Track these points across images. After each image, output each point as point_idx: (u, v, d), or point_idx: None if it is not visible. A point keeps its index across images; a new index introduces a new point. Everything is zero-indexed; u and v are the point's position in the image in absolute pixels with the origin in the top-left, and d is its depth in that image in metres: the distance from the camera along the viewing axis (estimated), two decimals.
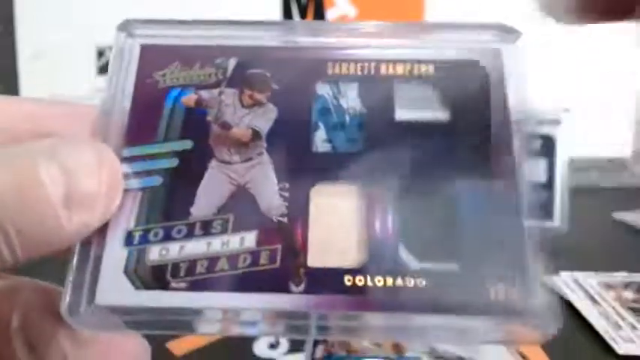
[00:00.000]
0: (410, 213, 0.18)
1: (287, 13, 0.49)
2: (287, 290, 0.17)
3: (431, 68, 0.20)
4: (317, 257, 0.18)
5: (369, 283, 0.17)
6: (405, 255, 0.18)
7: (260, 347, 0.36)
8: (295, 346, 0.35)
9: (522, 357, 0.36)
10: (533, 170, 0.19)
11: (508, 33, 0.20)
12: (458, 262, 0.18)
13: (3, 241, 0.15)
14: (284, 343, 0.36)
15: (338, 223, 0.18)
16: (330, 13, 0.50)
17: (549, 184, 0.49)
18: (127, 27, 0.21)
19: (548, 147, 0.51)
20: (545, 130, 0.51)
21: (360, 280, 0.17)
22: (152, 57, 0.20)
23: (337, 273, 0.17)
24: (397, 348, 0.27)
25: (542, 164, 0.51)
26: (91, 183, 0.16)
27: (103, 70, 0.48)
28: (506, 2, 0.49)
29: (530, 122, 0.19)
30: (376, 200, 0.18)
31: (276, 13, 0.49)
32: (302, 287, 0.17)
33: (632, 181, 0.66)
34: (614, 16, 0.17)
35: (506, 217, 0.18)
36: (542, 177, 0.49)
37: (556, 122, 0.51)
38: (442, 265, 0.18)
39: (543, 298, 0.17)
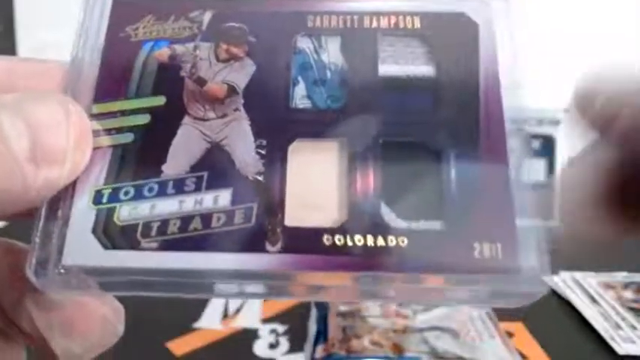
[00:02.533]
0: (392, 171, 0.17)
1: None
2: (263, 250, 0.16)
3: (417, 21, 0.19)
4: (294, 216, 0.17)
5: (349, 243, 0.17)
6: (386, 213, 0.17)
7: (260, 347, 0.36)
8: (295, 346, 0.35)
9: (522, 356, 0.36)
10: (525, 138, 0.18)
11: None
12: (441, 221, 0.17)
13: None
14: (284, 343, 0.35)
15: (317, 181, 0.17)
16: None
17: (549, 184, 0.49)
18: None
19: (548, 147, 0.51)
20: (545, 130, 0.51)
21: (339, 240, 0.17)
22: (124, 10, 0.19)
23: (316, 232, 0.17)
24: (397, 348, 0.27)
25: (542, 164, 0.50)
26: (57, 137, 0.16)
27: None
28: None
29: (520, 79, 0.18)
30: (357, 157, 0.18)
31: None
32: (278, 246, 0.16)
33: None
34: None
35: (493, 175, 0.17)
36: (542, 177, 0.49)
37: (556, 122, 0.50)
38: (425, 223, 0.17)
39: (532, 257, 0.16)
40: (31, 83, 0.18)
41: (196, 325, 0.41)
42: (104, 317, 0.17)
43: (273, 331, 0.40)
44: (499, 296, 0.16)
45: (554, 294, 0.46)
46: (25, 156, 0.15)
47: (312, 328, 0.37)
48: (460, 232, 0.17)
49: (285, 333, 0.40)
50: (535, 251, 0.16)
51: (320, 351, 0.27)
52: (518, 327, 0.41)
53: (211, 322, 0.40)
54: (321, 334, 0.35)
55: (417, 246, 0.16)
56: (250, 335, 0.40)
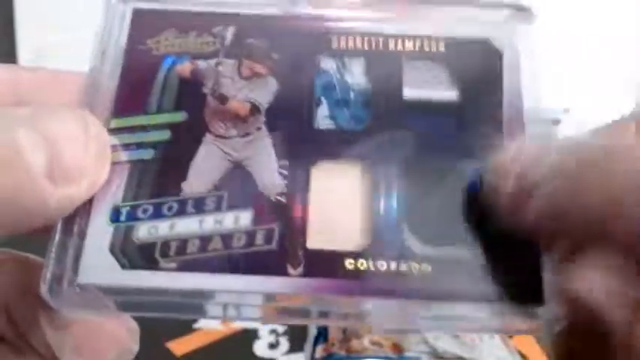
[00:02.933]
0: (415, 195, 0.17)
1: None
2: (284, 273, 0.16)
3: (441, 45, 0.19)
4: (317, 239, 0.17)
5: (372, 268, 0.16)
6: (409, 239, 0.17)
7: (260, 347, 0.35)
8: (295, 346, 0.34)
9: (522, 356, 0.36)
10: None
11: (523, 12, 0.19)
12: (465, 248, 0.17)
13: None
14: (284, 343, 0.35)
15: (340, 204, 0.17)
16: None
17: None
18: None
19: None
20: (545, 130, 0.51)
21: (362, 264, 0.16)
22: (145, 22, 0.19)
23: (338, 256, 0.16)
24: (397, 348, 0.27)
25: None
26: (75, 153, 0.15)
27: None
28: None
29: (544, 106, 0.18)
30: (380, 181, 0.17)
31: None
32: (300, 270, 0.16)
33: None
34: None
35: None
36: None
37: (556, 122, 0.51)
38: (449, 249, 0.17)
39: (546, 288, 0.16)
40: (44, 94, 0.17)
41: (196, 325, 0.40)
42: (119, 338, 0.16)
43: (273, 331, 0.40)
44: (514, 324, 0.16)
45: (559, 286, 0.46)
46: (43, 172, 0.14)
47: (312, 328, 0.37)
48: (482, 260, 0.16)
49: (285, 333, 0.40)
50: (548, 282, 0.16)
51: (320, 351, 0.27)
52: None
53: (211, 322, 0.40)
54: (321, 334, 0.35)
55: (441, 273, 0.16)
56: (250, 335, 0.39)
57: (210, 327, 0.39)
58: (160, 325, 0.34)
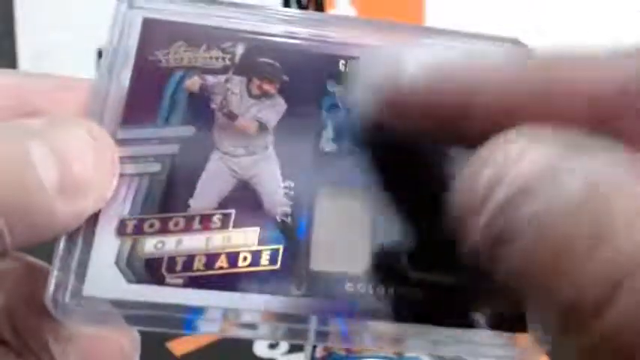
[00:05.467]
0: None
1: None
2: (287, 293, 0.17)
3: None
4: (320, 261, 0.17)
5: (370, 291, 0.17)
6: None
7: (260, 347, 0.35)
8: (295, 346, 0.35)
9: None
10: None
11: (520, 48, 0.20)
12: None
13: None
14: (284, 343, 0.35)
15: (342, 228, 0.18)
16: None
17: None
18: None
19: None
20: None
21: (361, 287, 0.17)
22: (155, 33, 0.19)
23: (339, 278, 0.17)
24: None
25: None
26: (84, 167, 0.15)
27: None
28: (505, 8, 0.50)
29: None
30: (382, 206, 0.18)
31: None
32: (303, 290, 0.17)
33: None
34: None
35: None
36: None
37: None
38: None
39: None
40: (51, 101, 0.17)
41: None
42: (122, 349, 0.17)
43: None
44: (505, 349, 0.17)
45: None
46: (55, 189, 0.14)
47: None
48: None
49: None
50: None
51: (320, 351, 0.27)
52: None
53: None
54: None
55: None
56: None
57: None
58: None
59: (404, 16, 0.49)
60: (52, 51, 0.45)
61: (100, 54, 0.46)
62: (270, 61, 0.19)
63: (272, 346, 0.36)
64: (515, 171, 0.11)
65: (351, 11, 0.49)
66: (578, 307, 0.10)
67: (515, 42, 0.21)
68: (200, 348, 0.35)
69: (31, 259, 0.17)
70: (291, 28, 0.20)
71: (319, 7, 0.49)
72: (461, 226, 0.13)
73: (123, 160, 0.17)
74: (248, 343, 0.36)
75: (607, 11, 0.50)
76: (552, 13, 0.49)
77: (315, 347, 0.28)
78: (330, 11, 0.49)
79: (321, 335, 0.17)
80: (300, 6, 0.48)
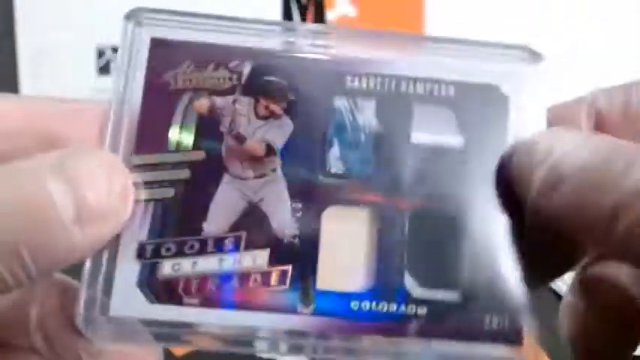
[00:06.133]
0: (417, 241, 0.19)
1: (287, 13, 0.46)
2: (295, 312, 0.18)
3: (451, 90, 0.20)
4: (326, 280, 0.18)
5: (374, 309, 0.18)
6: (409, 282, 0.19)
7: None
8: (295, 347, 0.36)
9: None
10: None
11: (531, 55, 0.20)
12: (458, 292, 0.19)
13: (17, 263, 0.15)
14: (284, 344, 0.37)
15: (348, 247, 0.19)
16: (331, 14, 0.47)
17: None
18: (135, 16, 0.19)
19: None
20: None
21: (365, 306, 0.18)
22: (163, 53, 0.19)
23: (345, 297, 0.18)
24: None
25: None
26: (101, 197, 0.16)
27: (103, 70, 0.45)
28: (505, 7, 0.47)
29: None
30: (385, 226, 0.19)
31: (275, 13, 0.46)
32: (310, 309, 0.18)
33: None
34: None
35: (509, 248, 0.19)
36: None
37: None
38: (443, 293, 0.19)
39: (535, 329, 0.18)
40: (66, 127, 0.18)
41: None
42: None
43: None
44: None
45: (554, 294, 0.48)
46: (71, 218, 0.15)
47: None
48: (473, 304, 0.18)
49: None
50: (538, 322, 0.18)
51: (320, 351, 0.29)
52: None
53: None
54: None
55: (435, 315, 0.18)
56: None
57: None
58: None
59: (403, 15, 0.47)
60: (52, 51, 0.45)
61: (99, 53, 0.46)
62: (276, 79, 0.19)
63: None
64: (563, 141, 0.17)
65: (351, 10, 0.47)
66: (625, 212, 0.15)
67: (529, 50, 0.20)
68: (200, 348, 0.37)
69: (58, 275, 0.19)
70: (298, 43, 0.20)
71: (319, 6, 0.47)
72: (521, 179, 0.17)
73: (139, 185, 0.18)
74: None
75: (607, 11, 0.47)
76: (552, 16, 0.47)
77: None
78: (330, 10, 0.47)
79: (327, 351, 0.18)
80: (300, 5, 0.46)
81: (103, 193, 0.16)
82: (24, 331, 0.18)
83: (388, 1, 0.47)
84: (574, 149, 0.16)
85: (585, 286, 0.20)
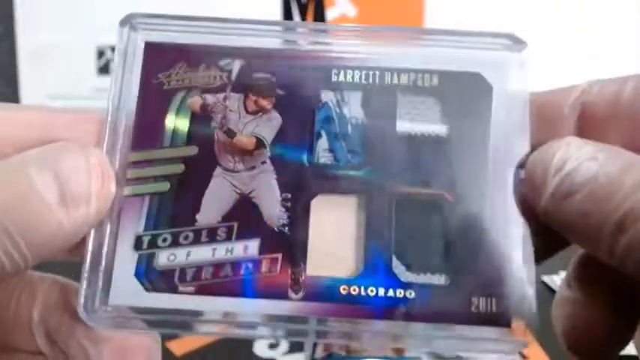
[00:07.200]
0: (404, 227, 0.19)
1: (287, 12, 0.47)
2: (286, 297, 0.19)
3: (435, 79, 0.20)
4: (315, 267, 0.19)
5: (363, 293, 0.19)
6: (397, 267, 0.19)
7: (260, 347, 0.36)
8: (295, 346, 0.35)
9: (522, 356, 0.37)
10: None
11: (514, 43, 0.20)
12: (445, 276, 0.19)
13: (12, 246, 0.16)
14: (284, 343, 0.36)
15: (336, 234, 0.19)
16: (330, 13, 0.48)
17: None
18: (129, 21, 0.21)
19: None
20: None
21: (354, 290, 0.19)
22: (157, 56, 0.20)
23: (334, 282, 0.19)
24: (397, 348, 0.29)
25: None
26: (81, 181, 0.18)
27: (103, 70, 0.47)
28: (505, 6, 0.47)
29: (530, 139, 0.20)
30: (373, 213, 0.19)
31: (276, 12, 0.47)
32: (300, 295, 0.19)
33: None
34: None
35: (494, 232, 0.19)
36: None
37: None
38: (431, 277, 0.19)
39: (522, 310, 0.18)
40: (67, 132, 0.19)
41: None
42: (148, 347, 0.19)
43: None
44: (491, 344, 0.19)
45: (554, 294, 0.48)
46: (56, 202, 0.17)
47: None
48: (460, 287, 0.19)
49: None
50: (526, 305, 0.18)
51: (320, 351, 0.29)
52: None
53: None
54: None
55: (423, 298, 0.19)
56: None
57: None
58: None
59: (404, 13, 0.48)
60: (52, 51, 0.47)
61: (99, 53, 0.47)
62: (265, 75, 0.20)
63: (272, 346, 0.36)
64: (579, 151, 0.17)
65: (350, 9, 0.48)
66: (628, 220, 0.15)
67: (512, 37, 0.20)
68: (200, 348, 0.36)
69: (58, 277, 0.20)
70: (285, 41, 0.21)
71: (319, 5, 0.48)
72: (535, 186, 0.18)
73: (136, 180, 0.19)
74: (248, 343, 0.35)
75: (607, 11, 0.46)
76: (552, 14, 0.47)
77: (315, 348, 0.29)
78: (330, 9, 0.48)
79: (319, 334, 0.19)
80: (300, 5, 0.47)
81: (84, 181, 0.18)
82: (28, 334, 0.19)
83: (388, 1, 0.47)
84: (589, 160, 0.17)
85: (580, 280, 0.20)
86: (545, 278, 0.46)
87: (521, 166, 0.19)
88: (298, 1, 0.47)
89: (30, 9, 0.47)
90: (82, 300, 0.18)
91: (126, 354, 0.19)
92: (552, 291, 0.49)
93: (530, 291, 0.19)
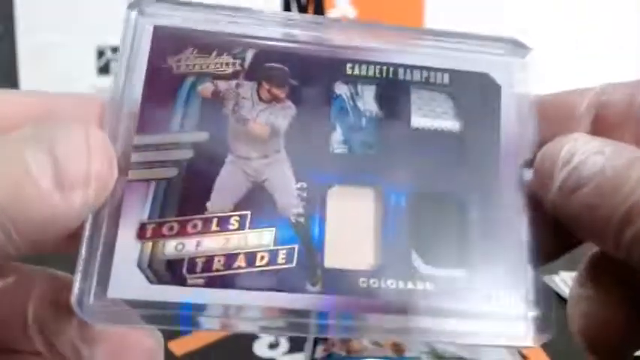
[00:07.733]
0: (422, 220, 0.19)
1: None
2: (304, 290, 0.18)
3: (446, 78, 0.21)
4: (333, 258, 0.18)
5: (382, 286, 0.18)
6: (416, 259, 0.19)
7: (260, 347, 0.36)
8: (295, 346, 0.35)
9: (523, 357, 0.38)
10: None
11: (519, 48, 0.21)
12: (464, 269, 0.19)
13: (1, 231, 0.15)
14: (284, 343, 0.36)
15: (354, 226, 0.19)
16: (330, 14, 0.49)
17: None
18: (138, 5, 0.20)
19: None
20: None
21: (374, 283, 0.18)
22: (165, 40, 0.20)
23: (353, 275, 0.18)
24: (397, 348, 0.29)
25: None
26: (79, 163, 0.16)
27: (103, 70, 0.46)
28: (505, 6, 0.50)
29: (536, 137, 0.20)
30: (391, 205, 0.19)
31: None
32: (318, 287, 0.18)
33: None
34: None
35: (510, 226, 0.19)
36: None
37: None
38: (449, 270, 0.19)
39: (540, 305, 0.18)
40: (73, 113, 0.18)
41: None
42: (149, 349, 0.17)
43: None
44: (509, 339, 0.18)
45: (554, 294, 0.48)
46: (51, 184, 0.15)
47: None
48: (478, 280, 0.18)
49: None
50: (541, 298, 0.18)
51: (320, 351, 0.28)
52: None
53: None
54: None
55: (442, 291, 0.18)
56: (250, 335, 0.39)
57: None
58: None
59: (403, 15, 0.50)
60: (52, 51, 0.45)
61: (99, 53, 0.46)
62: (279, 65, 0.20)
63: (272, 346, 0.36)
64: (586, 146, 0.17)
65: (350, 10, 0.50)
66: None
67: (514, 42, 0.21)
68: (200, 348, 0.35)
69: (52, 270, 0.18)
70: (299, 33, 0.20)
71: (319, 6, 0.49)
72: (543, 180, 0.18)
73: (140, 164, 0.18)
74: (248, 343, 0.36)
75: (607, 11, 0.50)
76: (552, 14, 0.50)
77: (315, 347, 0.28)
78: (330, 10, 0.49)
79: (336, 329, 0.18)
80: (300, 5, 0.49)
81: (82, 161, 0.16)
82: (24, 332, 0.17)
83: (388, 2, 0.49)
84: (595, 153, 0.17)
85: (594, 279, 0.20)
86: (546, 278, 0.47)
87: (529, 164, 0.19)
88: (298, 3, 0.48)
89: (30, 9, 0.45)
90: (76, 292, 0.16)
91: (123, 354, 0.17)
92: (552, 291, 0.50)
93: (542, 287, 0.19)
